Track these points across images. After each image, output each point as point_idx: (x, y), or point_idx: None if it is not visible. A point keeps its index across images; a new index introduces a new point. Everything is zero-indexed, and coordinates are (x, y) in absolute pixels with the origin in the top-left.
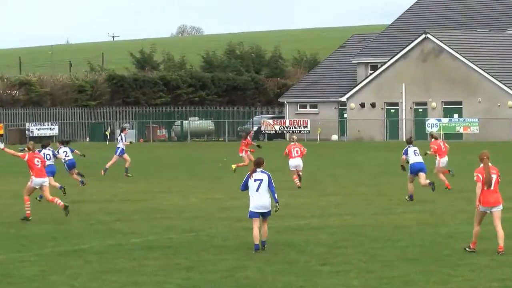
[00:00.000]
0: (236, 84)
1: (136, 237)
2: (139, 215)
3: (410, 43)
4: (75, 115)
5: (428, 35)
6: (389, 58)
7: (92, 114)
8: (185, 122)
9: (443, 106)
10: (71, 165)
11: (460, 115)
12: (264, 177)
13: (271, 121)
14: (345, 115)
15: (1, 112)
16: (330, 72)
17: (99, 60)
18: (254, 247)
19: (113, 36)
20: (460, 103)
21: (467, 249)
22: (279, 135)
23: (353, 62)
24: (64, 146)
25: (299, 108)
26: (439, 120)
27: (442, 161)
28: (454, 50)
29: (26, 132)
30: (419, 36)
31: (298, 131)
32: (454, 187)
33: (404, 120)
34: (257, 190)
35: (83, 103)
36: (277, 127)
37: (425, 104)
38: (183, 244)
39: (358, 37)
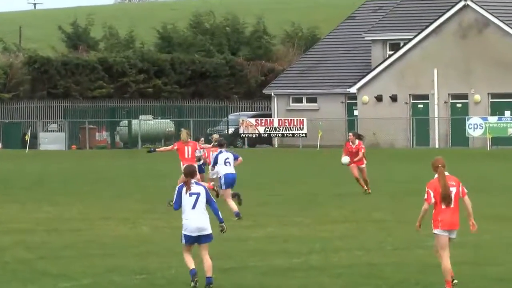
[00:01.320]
0: (204, 70)
1: (67, 280)
2: (71, 250)
3: (444, 14)
4: None
5: (469, 2)
6: (415, 33)
7: (6, 110)
8: (134, 122)
9: (490, 100)
10: None
11: None
12: (201, 190)
13: (253, 120)
14: (356, 112)
15: None
16: (334, 53)
17: (15, 37)
18: (191, 272)
19: (35, 4)
20: None
21: None
22: (265, 140)
23: (366, 39)
24: None
25: (292, 102)
26: (485, 119)
27: None
28: (504, 23)
29: None
30: (456, 3)
31: (290, 134)
32: (503, 211)
33: (436, 119)
34: (193, 208)
35: None
36: (261, 129)
37: (465, 97)
38: None
39: (373, 5)
